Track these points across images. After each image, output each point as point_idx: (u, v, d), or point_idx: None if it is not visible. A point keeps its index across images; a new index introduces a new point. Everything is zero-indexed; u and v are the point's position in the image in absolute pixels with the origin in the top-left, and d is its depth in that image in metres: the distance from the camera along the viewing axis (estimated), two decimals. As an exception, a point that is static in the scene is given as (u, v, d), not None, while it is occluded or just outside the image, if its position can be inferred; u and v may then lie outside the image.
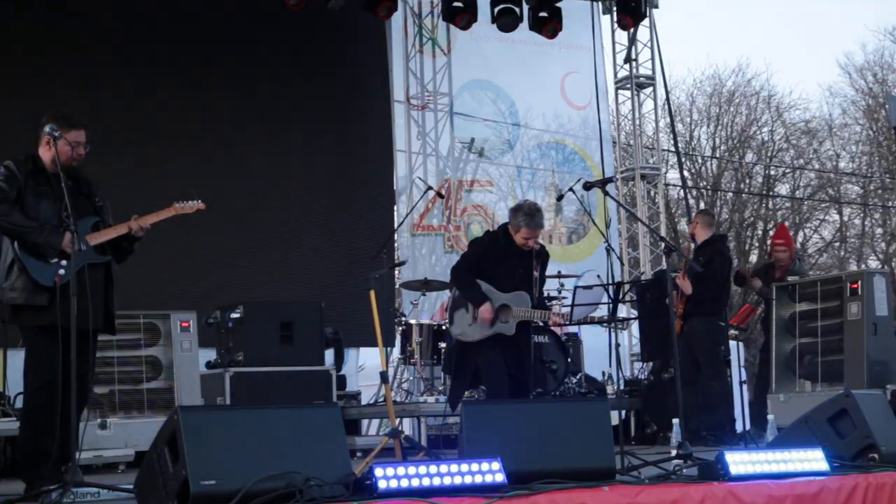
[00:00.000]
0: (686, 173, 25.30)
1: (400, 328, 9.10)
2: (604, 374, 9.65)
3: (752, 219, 26.87)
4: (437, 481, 3.91)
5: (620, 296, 9.38)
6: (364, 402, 9.37)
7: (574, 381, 9.21)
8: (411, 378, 8.94)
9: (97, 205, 5.28)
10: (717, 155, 26.84)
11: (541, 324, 7.27)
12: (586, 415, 4.67)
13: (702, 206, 24.96)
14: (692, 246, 8.48)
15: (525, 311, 6.67)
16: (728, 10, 42.39)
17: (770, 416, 7.18)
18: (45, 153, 5.12)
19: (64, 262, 4.91)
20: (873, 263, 25.84)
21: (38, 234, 4.95)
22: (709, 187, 26.69)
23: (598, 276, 10.40)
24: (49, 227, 4.97)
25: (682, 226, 24.16)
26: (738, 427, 8.36)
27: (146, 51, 9.98)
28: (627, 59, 12.49)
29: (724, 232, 21.53)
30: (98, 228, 5.20)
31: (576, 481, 4.14)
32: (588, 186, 6.57)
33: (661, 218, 12.94)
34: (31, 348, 5.13)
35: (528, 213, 6.71)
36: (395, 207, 11.48)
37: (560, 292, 9.37)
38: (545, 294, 7.69)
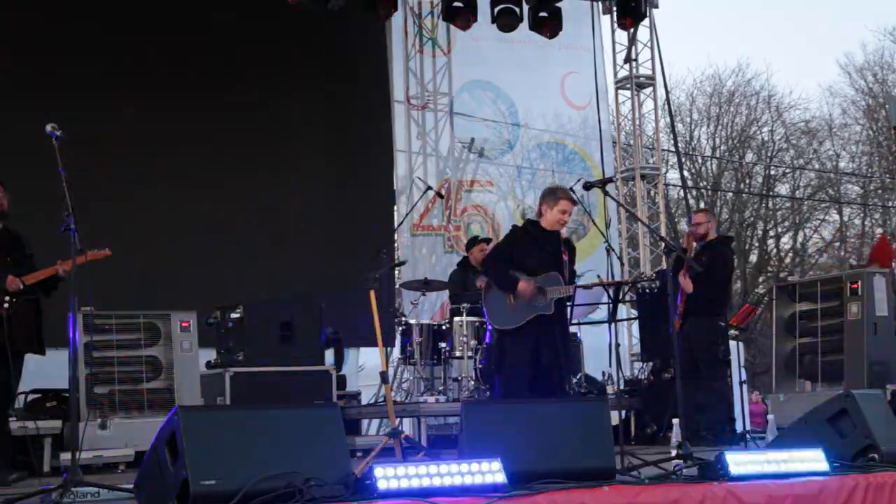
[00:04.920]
0: (686, 173, 25.33)
1: (400, 328, 9.09)
2: (604, 374, 9.64)
3: (752, 219, 26.89)
4: (437, 481, 3.91)
5: (620, 296, 9.35)
6: (364, 402, 9.36)
7: (574, 381, 9.20)
8: (411, 378, 8.93)
9: (27, 254, 6.29)
10: (717, 155, 26.86)
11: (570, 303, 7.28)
12: (586, 415, 4.66)
13: (702, 206, 24.93)
14: (695, 245, 8.44)
15: (560, 289, 6.77)
16: (728, 10, 42.46)
17: (770, 416, 7.18)
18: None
19: (7, 298, 6.05)
20: (873, 263, 25.81)
21: None
22: (709, 187, 26.70)
23: (598, 276, 10.38)
24: None
25: (682, 226, 24.16)
26: (739, 427, 8.36)
27: (144, 51, 9.98)
28: (627, 59, 12.50)
29: (729, 234, 21.57)
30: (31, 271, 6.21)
31: (576, 481, 4.14)
32: (588, 186, 6.57)
33: (661, 218, 12.94)
34: None
35: (564, 189, 7.06)
36: (395, 207, 11.48)
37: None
38: None
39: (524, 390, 6.66)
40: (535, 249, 6.88)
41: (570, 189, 7.62)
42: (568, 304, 7.01)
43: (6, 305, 6.06)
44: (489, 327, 7.13)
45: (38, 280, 6.24)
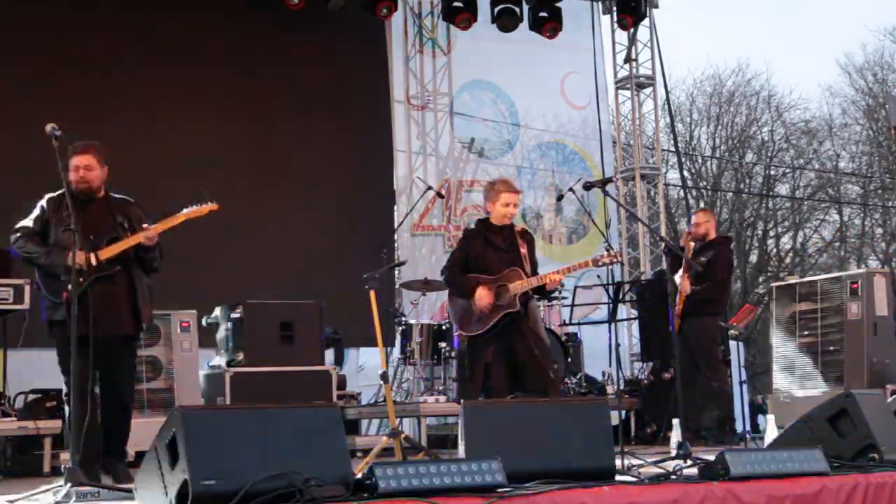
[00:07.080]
0: (686, 173, 25.33)
1: (400, 328, 9.09)
2: (604, 374, 9.65)
3: (752, 219, 26.88)
4: (437, 481, 3.90)
5: (620, 296, 9.37)
6: (364, 402, 9.37)
7: (574, 381, 9.21)
8: (411, 378, 8.93)
9: (118, 222, 5.65)
10: (717, 155, 26.86)
11: (537, 296, 7.15)
12: (586, 415, 4.66)
13: (702, 206, 24.91)
14: (692, 244, 8.43)
15: (521, 284, 6.61)
16: (728, 10, 42.48)
17: (770, 416, 7.17)
18: (66, 178, 5.50)
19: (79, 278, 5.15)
20: (873, 263, 25.84)
21: (44, 258, 5.47)
22: (709, 187, 26.70)
23: (598, 276, 10.40)
24: (56, 249, 5.44)
25: (682, 226, 24.17)
26: (738, 427, 8.36)
27: (145, 50, 9.98)
28: (627, 59, 12.51)
29: (729, 234, 21.56)
30: (112, 243, 5.57)
31: (576, 481, 4.13)
32: (588, 186, 6.56)
33: (661, 218, 12.94)
34: (59, 359, 5.58)
35: (503, 181, 6.87)
36: (395, 207, 11.47)
37: (560, 292, 9.36)
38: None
39: (503, 391, 6.55)
40: (489, 248, 6.74)
41: (570, 189, 7.63)
42: (534, 297, 6.88)
43: (69, 287, 5.05)
44: (457, 333, 6.97)
45: (117, 253, 5.53)
